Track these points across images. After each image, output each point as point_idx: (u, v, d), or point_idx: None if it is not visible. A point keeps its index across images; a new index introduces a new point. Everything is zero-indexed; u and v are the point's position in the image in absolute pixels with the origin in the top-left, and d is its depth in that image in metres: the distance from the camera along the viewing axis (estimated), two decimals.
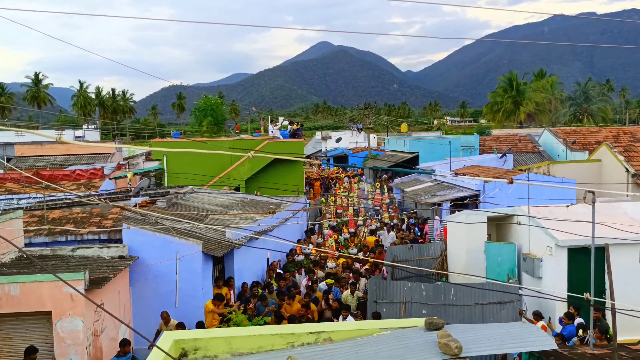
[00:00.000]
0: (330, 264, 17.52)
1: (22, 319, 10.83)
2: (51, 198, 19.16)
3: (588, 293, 7.85)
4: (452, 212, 19.86)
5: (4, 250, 12.05)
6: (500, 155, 30.46)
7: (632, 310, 9.04)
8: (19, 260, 12.21)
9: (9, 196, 20.07)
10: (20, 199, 19.64)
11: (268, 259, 16.59)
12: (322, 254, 18.74)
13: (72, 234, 14.66)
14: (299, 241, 21.14)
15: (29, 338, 10.79)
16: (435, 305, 12.43)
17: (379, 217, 25.61)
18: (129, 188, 22.78)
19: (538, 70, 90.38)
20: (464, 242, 15.72)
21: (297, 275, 16.40)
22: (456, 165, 28.64)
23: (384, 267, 15.78)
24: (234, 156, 28.06)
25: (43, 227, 14.63)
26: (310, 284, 15.11)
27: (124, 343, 10.93)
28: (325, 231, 23.31)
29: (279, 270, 16.95)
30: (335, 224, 25.76)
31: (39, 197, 19.19)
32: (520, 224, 13.89)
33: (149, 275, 13.43)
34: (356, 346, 6.71)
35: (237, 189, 26.73)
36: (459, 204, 21.15)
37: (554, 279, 13.39)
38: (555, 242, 13.38)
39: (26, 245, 13.20)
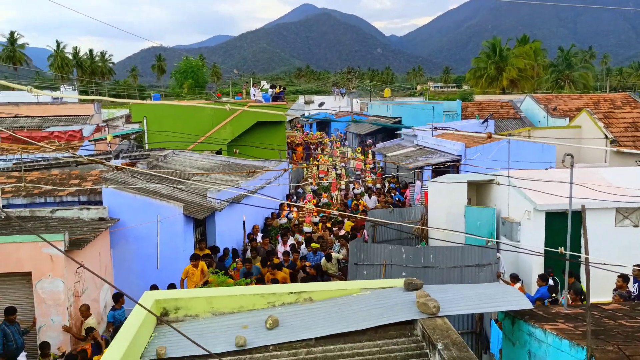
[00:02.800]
0: (307, 228, 17.58)
1: (1, 280, 10.77)
2: (29, 159, 18.85)
3: (563, 247, 8.01)
4: (434, 177, 20.00)
5: None
6: (482, 120, 30.56)
7: (604, 264, 9.28)
8: None
9: None
10: None
11: (244, 222, 16.58)
12: (300, 220, 18.81)
13: (51, 195, 14.50)
14: (282, 204, 21.19)
15: (9, 298, 10.76)
16: (414, 267, 12.60)
17: (362, 181, 25.71)
18: (108, 150, 22.49)
19: (522, 36, 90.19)
20: (445, 206, 15.87)
21: (279, 239, 16.44)
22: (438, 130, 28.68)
23: (364, 231, 15.91)
24: (215, 119, 27.78)
25: (20, 186, 14.44)
26: (286, 248, 15.16)
27: (118, 297, 11.03)
28: (309, 195, 23.37)
29: (260, 234, 16.95)
30: (316, 188, 25.82)
31: (17, 158, 18.87)
32: (499, 184, 14.03)
33: (130, 238, 13.39)
34: (336, 305, 6.80)
35: (219, 152, 26.54)
36: (441, 169, 21.29)
37: (531, 243, 13.62)
38: (534, 206, 13.58)
39: (4, 206, 13.03)
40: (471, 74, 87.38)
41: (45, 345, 9.87)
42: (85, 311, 10.66)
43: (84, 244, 11.14)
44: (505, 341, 7.09)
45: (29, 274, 10.67)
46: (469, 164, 19.31)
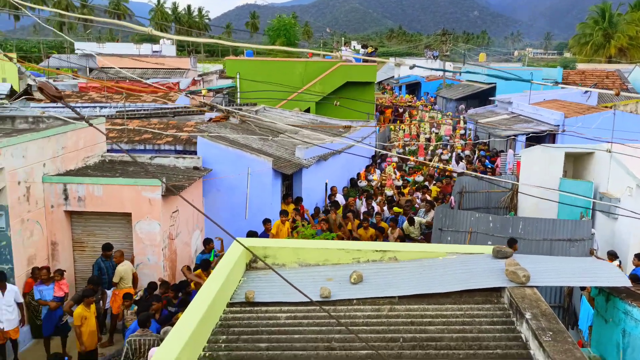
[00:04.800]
0: (389, 191, 17.46)
1: (105, 218, 11.59)
2: (130, 108, 19.89)
3: None
4: (528, 146, 19.19)
5: (89, 153, 12.74)
6: (584, 90, 28.75)
7: None
8: (102, 164, 12.91)
9: (92, 104, 20.97)
10: (102, 107, 20.50)
11: (326, 184, 16.69)
12: (383, 182, 18.68)
13: (150, 143, 15.29)
14: (367, 167, 21.17)
15: (110, 236, 11.58)
16: (501, 237, 12.27)
17: (450, 147, 25.13)
18: (203, 103, 23.26)
19: (635, 1, 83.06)
20: (538, 177, 15.22)
21: (357, 201, 16.42)
22: (536, 98, 27.33)
23: (451, 197, 15.63)
24: (305, 78, 27.90)
25: (123, 135, 15.31)
26: (367, 209, 15.17)
27: (207, 241, 11.59)
28: (394, 158, 23.17)
29: (339, 195, 16.98)
30: (402, 151, 25.53)
31: (120, 107, 19.97)
32: (610, 151, 13.12)
33: (221, 188, 13.91)
34: (421, 267, 6.78)
35: (308, 111, 26.75)
36: (535, 138, 20.37)
37: (631, 221, 12.85)
38: (637, 182, 12.74)
39: (108, 151, 13.88)
40: (575, 41, 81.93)
41: (152, 285, 10.59)
42: (119, 257, 11.08)
43: (180, 189, 11.71)
44: (597, 318, 6.81)
45: (129, 214, 11.40)
46: (568, 134, 18.32)
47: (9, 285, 9.93)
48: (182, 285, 10.34)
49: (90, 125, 4.42)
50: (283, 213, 13.11)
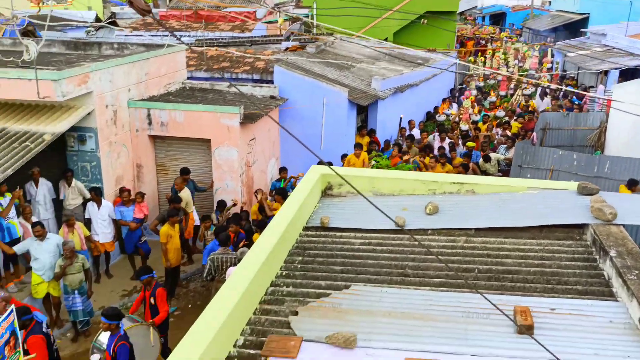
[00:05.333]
0: (464, 125, 16.90)
1: (186, 144, 12.00)
2: (209, 37, 20.08)
3: None
4: (621, 82, 17.91)
5: (170, 80, 13.08)
6: None
7: None
8: (182, 91, 13.25)
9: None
10: (182, 36, 20.80)
11: (401, 118, 16.35)
12: (460, 116, 18.07)
13: (228, 71, 15.46)
14: (445, 100, 20.56)
15: (191, 161, 12.02)
16: (586, 176, 11.72)
17: (535, 81, 23.88)
18: (279, 32, 23.12)
19: None
20: (631, 115, 14.25)
21: (430, 136, 15.95)
22: (634, 29, 25.21)
23: (534, 133, 14.99)
24: (383, 7, 26.94)
25: (202, 63, 15.54)
26: (442, 144, 14.78)
27: (282, 169, 11.81)
28: (473, 91, 22.35)
29: (416, 129, 16.62)
30: (482, 85, 24.54)
31: (199, 36, 20.19)
32: None
33: (297, 117, 13.98)
34: (500, 201, 6.62)
35: (385, 40, 26.01)
36: (630, 73, 18.94)
37: None
38: None
39: (188, 79, 14.18)
40: None
41: (221, 203, 11.08)
42: (180, 184, 11.21)
43: (257, 118, 11.88)
44: None
45: (208, 141, 11.73)
46: None
47: (104, 201, 10.61)
48: (237, 218, 10.44)
49: (189, 46, 4.48)
50: (357, 146, 13.06)
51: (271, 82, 14.46)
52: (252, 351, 4.16)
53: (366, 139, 14.49)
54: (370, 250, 5.75)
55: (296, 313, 4.61)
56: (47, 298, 9.32)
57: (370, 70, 17.30)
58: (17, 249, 9.07)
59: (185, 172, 11.31)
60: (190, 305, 10.39)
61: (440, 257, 5.42)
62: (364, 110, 15.61)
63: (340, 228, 6.32)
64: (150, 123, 11.67)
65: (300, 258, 5.65)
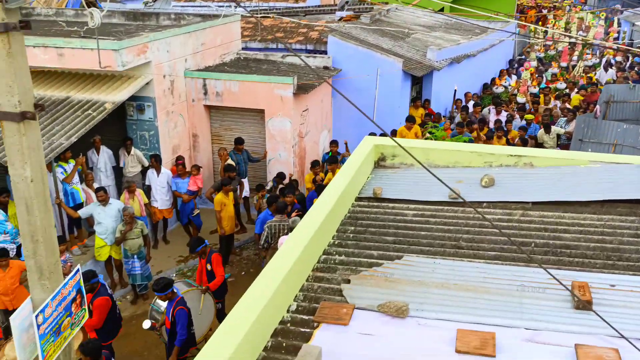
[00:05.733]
0: (521, 98, 16.32)
1: (240, 114, 12.15)
2: (263, 7, 20.08)
3: None
4: None
5: (225, 50, 13.20)
6: None
7: None
8: (237, 61, 13.35)
9: (227, 3, 21.40)
10: (236, 6, 20.86)
11: (455, 90, 15.95)
12: (517, 89, 17.47)
13: (282, 42, 15.46)
14: (501, 71, 19.93)
15: (245, 131, 12.17)
16: None
17: (600, 52, 22.82)
18: (334, 2, 22.87)
19: None
20: None
21: (485, 109, 15.47)
22: None
23: (597, 106, 14.37)
24: None
25: (257, 33, 15.58)
26: (499, 117, 14.35)
27: (333, 143, 11.81)
28: (533, 63, 21.56)
29: (471, 102, 16.21)
30: (542, 56, 23.63)
31: (253, 6, 20.21)
32: None
33: (350, 88, 13.85)
34: (559, 174, 6.42)
35: (441, 10, 25.32)
36: None
37: None
38: None
39: (242, 49, 14.26)
40: None
41: (281, 175, 11.20)
42: (225, 155, 11.42)
43: (310, 89, 11.87)
44: None
45: (262, 111, 11.83)
46: None
47: (162, 169, 10.91)
48: (292, 187, 10.52)
49: (249, 13, 4.49)
50: (409, 119, 12.86)
51: (325, 52, 14.37)
52: (304, 317, 4.23)
53: (420, 111, 14.27)
54: (423, 222, 5.71)
55: (348, 281, 4.65)
56: (109, 261, 9.75)
57: (426, 40, 16.93)
58: (81, 212, 9.50)
59: (239, 142, 11.46)
60: (243, 273, 10.65)
61: (495, 229, 5.33)
62: (418, 82, 15.34)
63: (392, 199, 6.29)
64: (205, 93, 11.86)
65: (352, 228, 5.67)
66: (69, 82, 10.50)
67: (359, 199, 6.37)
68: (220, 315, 8.39)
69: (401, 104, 14.14)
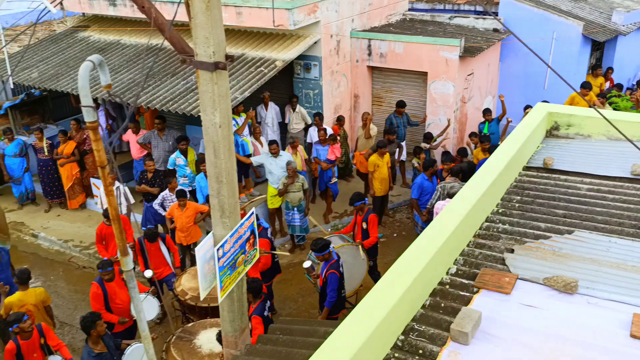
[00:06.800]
0: None
1: (402, 76, 12.06)
2: None
3: None
4: None
5: (391, 11, 13.08)
6: None
7: None
8: (402, 22, 13.19)
9: None
10: None
11: None
12: None
13: (450, 2, 14.94)
14: None
15: (406, 94, 12.08)
16: None
17: None
18: None
19: None
20: None
21: None
22: None
23: None
24: None
25: None
26: None
27: (487, 111, 11.29)
28: None
29: None
30: None
31: None
32: None
33: (520, 53, 13.07)
34: None
35: None
36: None
37: None
38: None
39: (408, 10, 14.02)
40: None
41: (428, 135, 11.01)
42: (369, 119, 11.20)
43: (477, 52, 11.39)
44: None
45: (425, 74, 11.62)
46: None
47: (325, 126, 11.17)
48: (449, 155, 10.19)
49: None
50: (585, 85, 11.77)
51: (495, 14, 13.63)
52: (464, 280, 4.19)
53: (599, 80, 13.05)
54: (599, 197, 5.30)
55: (512, 251, 4.51)
56: (279, 209, 10.33)
57: (612, 1, 15.30)
58: (254, 160, 10.23)
59: (401, 105, 11.39)
60: (395, 235, 10.75)
61: None
62: (599, 48, 13.99)
63: (565, 171, 5.91)
64: (369, 54, 11.91)
65: (518, 197, 5.44)
66: (244, 40, 11.15)
67: (527, 168, 6.08)
68: (373, 274, 8.59)
69: (577, 71, 13.01)
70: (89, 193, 11.68)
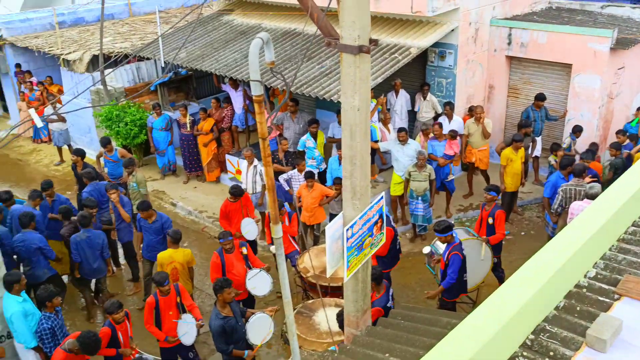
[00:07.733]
0: None
1: (543, 67, 11.43)
2: None
3: None
4: None
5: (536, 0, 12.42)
6: None
7: None
8: (548, 11, 12.46)
9: None
10: None
11: None
12: None
13: None
14: None
15: (546, 86, 11.44)
16: None
17: None
18: None
19: None
20: None
21: None
22: None
23: None
24: None
25: None
26: None
27: None
28: None
29: None
30: None
31: None
32: None
33: None
34: None
35: None
36: None
37: None
38: None
39: None
40: None
41: (577, 128, 10.38)
42: (481, 117, 10.61)
43: (631, 45, 10.49)
44: None
45: (569, 66, 10.91)
46: None
47: (455, 116, 10.90)
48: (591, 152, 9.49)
49: None
50: None
51: None
52: (604, 285, 3.93)
53: None
54: None
55: None
56: (402, 197, 10.32)
57: None
58: (381, 145, 10.28)
59: (540, 98, 10.82)
60: (523, 233, 10.29)
61: None
62: None
63: None
64: (509, 43, 11.41)
65: None
66: (380, 26, 11.14)
67: None
68: (496, 270, 8.33)
69: None
70: (223, 168, 12.41)
